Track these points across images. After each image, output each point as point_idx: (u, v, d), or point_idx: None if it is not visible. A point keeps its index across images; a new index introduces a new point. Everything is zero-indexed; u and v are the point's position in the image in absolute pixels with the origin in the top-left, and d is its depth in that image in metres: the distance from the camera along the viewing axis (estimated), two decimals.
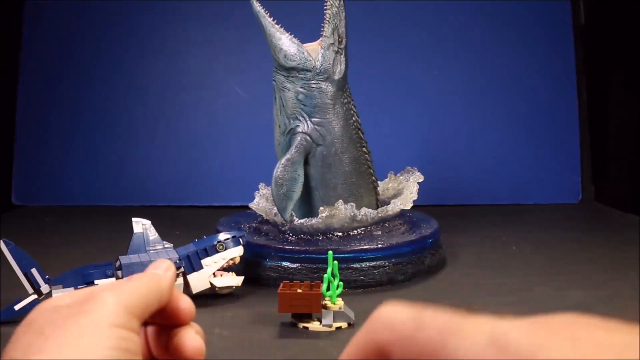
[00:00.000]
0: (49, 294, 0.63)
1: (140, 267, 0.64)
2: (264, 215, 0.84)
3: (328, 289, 0.61)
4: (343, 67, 0.81)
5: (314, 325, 0.61)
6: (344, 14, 0.81)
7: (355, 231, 0.80)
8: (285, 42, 0.78)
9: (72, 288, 0.63)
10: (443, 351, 0.25)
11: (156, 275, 0.35)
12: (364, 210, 0.80)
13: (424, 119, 1.29)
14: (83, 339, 0.28)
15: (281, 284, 0.63)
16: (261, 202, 0.86)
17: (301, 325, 0.62)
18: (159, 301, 0.35)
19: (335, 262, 0.62)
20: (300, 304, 0.61)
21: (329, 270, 0.61)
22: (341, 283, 0.62)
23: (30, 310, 0.64)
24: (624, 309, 0.65)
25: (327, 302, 0.62)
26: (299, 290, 0.61)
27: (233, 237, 0.71)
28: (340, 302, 0.62)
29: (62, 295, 0.33)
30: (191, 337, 0.36)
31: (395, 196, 0.89)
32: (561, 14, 1.31)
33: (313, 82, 0.79)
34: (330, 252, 0.62)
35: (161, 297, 0.35)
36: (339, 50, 0.80)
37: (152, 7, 1.30)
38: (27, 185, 1.29)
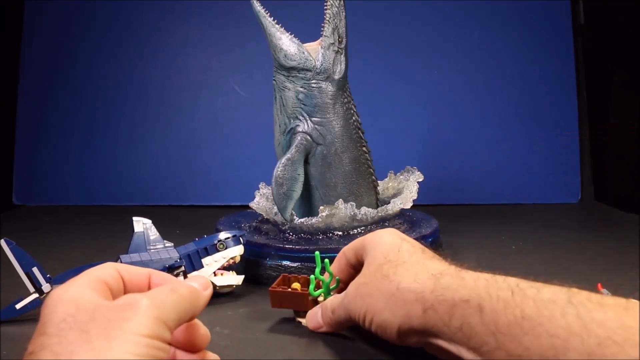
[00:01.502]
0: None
1: (141, 266, 0.64)
2: (264, 215, 0.84)
3: (317, 289, 0.60)
4: (343, 66, 0.81)
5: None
6: (344, 13, 0.81)
7: (356, 230, 0.80)
8: (286, 42, 0.78)
9: None
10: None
11: (196, 292, 0.38)
12: (364, 209, 0.80)
13: (424, 119, 1.29)
14: (122, 346, 0.31)
15: (280, 277, 0.63)
16: (261, 201, 0.86)
17: (297, 319, 0.61)
18: (192, 316, 0.37)
19: (327, 260, 0.60)
20: (289, 302, 0.61)
21: (317, 270, 0.60)
22: (338, 278, 0.60)
23: (31, 310, 0.64)
24: None
25: (321, 300, 0.60)
26: (289, 289, 0.61)
27: (233, 236, 0.71)
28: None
29: (86, 284, 0.34)
30: (201, 325, 0.38)
31: (395, 195, 0.89)
32: (561, 13, 1.31)
33: (313, 81, 0.79)
34: (317, 252, 0.61)
35: (195, 313, 0.38)
36: (339, 50, 0.80)
37: (152, 6, 1.30)
38: (27, 185, 1.29)
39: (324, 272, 0.60)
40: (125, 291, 0.40)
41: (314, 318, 0.58)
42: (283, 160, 0.78)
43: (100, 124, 1.30)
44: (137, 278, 0.40)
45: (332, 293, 0.59)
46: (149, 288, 0.41)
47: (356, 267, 0.57)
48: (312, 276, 0.60)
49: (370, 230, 0.80)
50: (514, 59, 1.30)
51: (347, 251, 0.58)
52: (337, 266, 0.59)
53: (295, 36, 0.79)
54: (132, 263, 0.64)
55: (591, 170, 1.31)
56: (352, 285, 0.52)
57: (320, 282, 0.59)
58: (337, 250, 0.72)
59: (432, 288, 0.44)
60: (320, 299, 0.59)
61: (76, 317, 0.32)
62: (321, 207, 0.78)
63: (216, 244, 0.69)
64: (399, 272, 0.48)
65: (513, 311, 0.39)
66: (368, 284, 0.50)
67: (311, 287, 0.59)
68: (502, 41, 1.30)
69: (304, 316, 0.61)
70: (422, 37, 1.30)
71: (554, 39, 1.31)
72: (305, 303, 0.60)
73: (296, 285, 0.62)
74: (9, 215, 1.19)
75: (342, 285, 0.59)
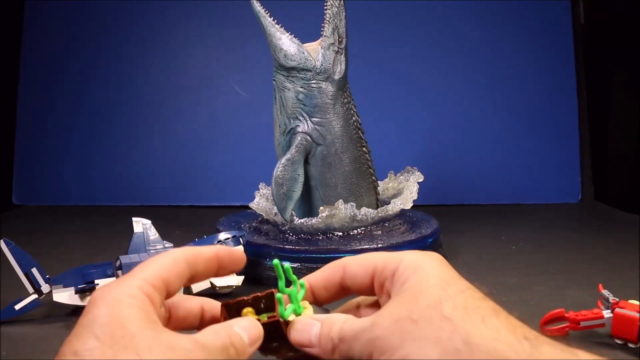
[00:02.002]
0: (50, 294, 0.63)
1: None
2: (264, 215, 0.84)
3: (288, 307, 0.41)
4: (343, 66, 0.81)
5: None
6: (344, 13, 0.81)
7: (356, 231, 0.80)
8: (286, 42, 0.78)
9: (72, 287, 0.63)
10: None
11: (244, 351, 0.36)
12: (364, 209, 0.80)
13: (424, 119, 1.29)
14: None
15: (221, 308, 0.40)
16: (261, 201, 0.86)
17: (270, 355, 0.41)
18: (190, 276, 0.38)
19: (287, 265, 0.41)
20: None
21: (281, 283, 0.40)
22: (302, 282, 0.42)
23: (30, 310, 0.63)
24: None
25: (291, 319, 0.40)
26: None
27: (233, 236, 0.71)
28: (308, 308, 0.42)
29: (146, 294, 0.34)
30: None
31: (395, 196, 0.89)
32: (561, 13, 1.31)
33: (313, 81, 0.79)
34: (276, 260, 0.39)
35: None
36: (339, 50, 0.80)
37: (153, 6, 1.30)
38: (27, 185, 1.29)
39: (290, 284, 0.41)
40: (192, 277, 0.38)
41: (305, 332, 0.39)
42: (283, 160, 0.78)
43: (100, 124, 1.29)
44: (204, 264, 0.39)
45: (300, 304, 0.41)
46: (216, 269, 0.40)
47: (356, 290, 0.42)
48: (278, 295, 0.40)
49: (370, 231, 0.80)
50: (514, 59, 1.30)
51: (354, 267, 0.41)
52: (323, 277, 0.42)
53: (295, 36, 0.79)
54: (131, 264, 0.64)
55: (591, 170, 1.31)
56: (388, 316, 0.35)
57: (289, 297, 0.41)
58: (337, 251, 0.72)
59: (525, 357, 0.31)
60: (292, 318, 0.40)
61: (135, 338, 0.31)
62: (321, 208, 0.78)
63: (216, 245, 0.69)
64: (469, 319, 0.33)
65: None
66: (417, 323, 0.34)
67: (280, 308, 0.40)
68: (502, 41, 1.30)
69: (276, 349, 0.41)
70: (422, 37, 1.29)
71: (554, 39, 1.31)
72: (280, 332, 0.40)
73: (248, 312, 0.41)
74: (9, 215, 1.19)
75: (309, 293, 0.42)
